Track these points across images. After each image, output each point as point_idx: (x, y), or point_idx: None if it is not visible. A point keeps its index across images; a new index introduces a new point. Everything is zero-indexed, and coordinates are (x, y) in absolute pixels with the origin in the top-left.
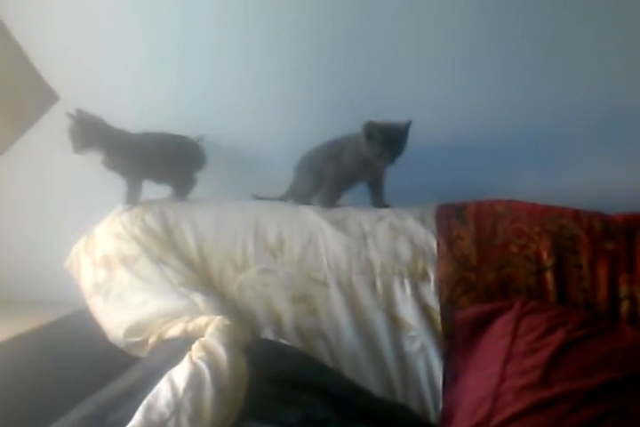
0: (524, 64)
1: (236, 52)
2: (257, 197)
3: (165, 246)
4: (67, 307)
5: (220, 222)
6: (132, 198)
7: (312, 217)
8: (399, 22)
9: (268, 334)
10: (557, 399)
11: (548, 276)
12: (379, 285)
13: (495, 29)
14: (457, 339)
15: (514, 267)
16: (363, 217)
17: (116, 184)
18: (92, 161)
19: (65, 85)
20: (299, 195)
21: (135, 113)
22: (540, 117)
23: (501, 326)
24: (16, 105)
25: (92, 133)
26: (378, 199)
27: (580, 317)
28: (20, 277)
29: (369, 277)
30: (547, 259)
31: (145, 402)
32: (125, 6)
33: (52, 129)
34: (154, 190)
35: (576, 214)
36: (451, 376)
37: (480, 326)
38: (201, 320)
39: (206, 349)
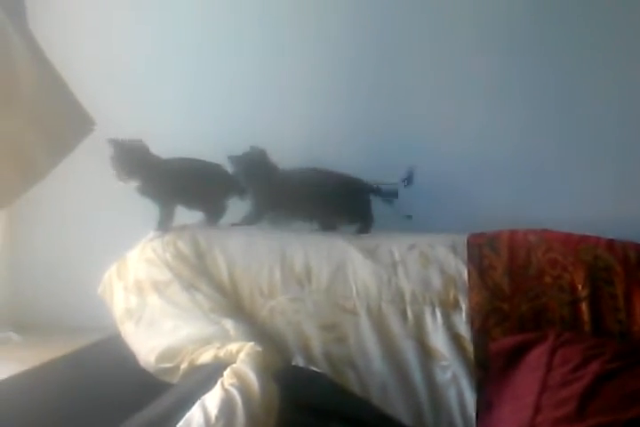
0: (557, 91)
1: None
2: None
3: (197, 272)
4: (99, 332)
5: (249, 249)
6: (165, 224)
7: (341, 244)
8: (435, 51)
9: (299, 360)
10: None
11: (583, 306)
12: (409, 313)
13: (527, 54)
14: (491, 369)
15: (548, 297)
16: (393, 245)
17: (149, 210)
18: (126, 188)
19: (101, 111)
20: None
21: (171, 138)
22: (573, 146)
23: (536, 357)
24: (55, 132)
25: (133, 161)
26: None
27: (616, 348)
28: (55, 302)
29: (399, 305)
30: (581, 289)
31: None
32: (164, 36)
33: (87, 155)
34: (185, 215)
35: (610, 244)
36: (484, 406)
37: (514, 356)
38: (232, 347)
39: (238, 375)
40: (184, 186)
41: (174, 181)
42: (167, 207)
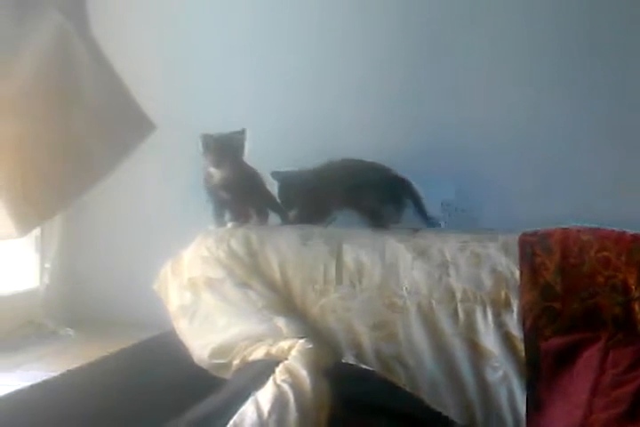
0: (603, 92)
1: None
2: None
3: (249, 270)
4: (154, 329)
5: (303, 247)
6: (221, 220)
7: (393, 244)
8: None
9: (349, 357)
10: None
11: (636, 307)
12: (460, 312)
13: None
14: (542, 369)
15: (600, 297)
16: (444, 245)
17: (201, 209)
18: (181, 187)
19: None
20: None
21: None
22: (625, 144)
23: (588, 357)
24: (115, 134)
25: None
26: None
27: None
28: (111, 298)
29: (450, 304)
30: (635, 289)
31: (231, 423)
32: (223, 36)
33: (145, 156)
34: None
35: None
36: (534, 406)
37: (566, 356)
38: (284, 343)
39: (290, 372)
40: (254, 185)
41: (248, 179)
42: (226, 203)
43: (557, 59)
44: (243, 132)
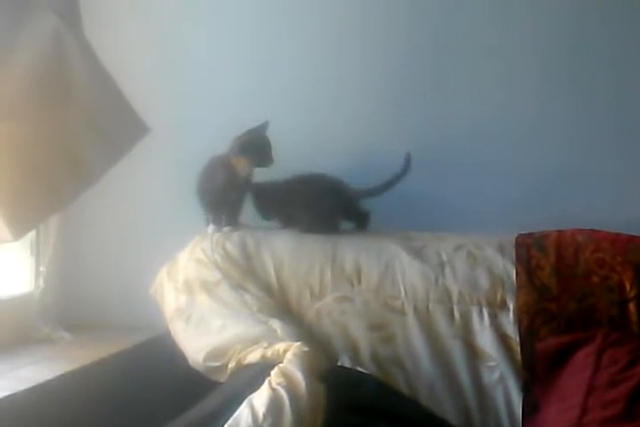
0: (607, 94)
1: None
2: None
3: (245, 273)
4: (149, 332)
5: (299, 250)
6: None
7: (389, 245)
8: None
9: (345, 361)
10: None
11: (631, 307)
12: (456, 313)
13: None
14: (538, 370)
15: (596, 297)
16: (440, 246)
17: (195, 212)
18: (176, 191)
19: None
20: None
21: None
22: (622, 145)
23: (583, 357)
24: (109, 136)
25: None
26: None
27: None
28: (105, 301)
29: (446, 305)
30: (630, 290)
31: (226, 426)
32: (219, 40)
33: (140, 159)
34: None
35: None
36: (531, 407)
37: (561, 357)
38: (280, 346)
39: (285, 375)
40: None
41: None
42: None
43: (560, 59)
44: (266, 124)
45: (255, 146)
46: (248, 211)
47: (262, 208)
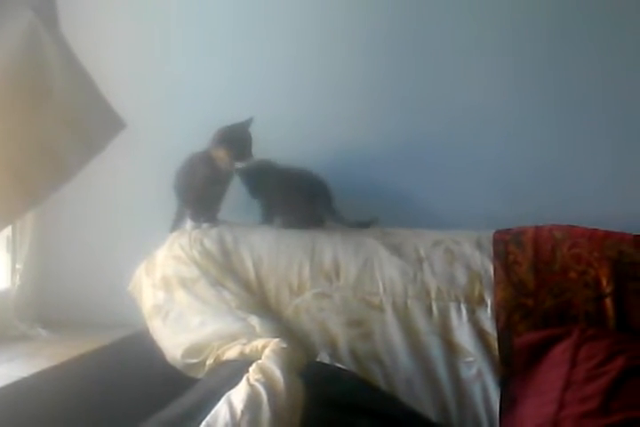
0: (587, 92)
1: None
2: None
3: (223, 269)
4: (126, 329)
5: (277, 246)
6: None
7: (368, 241)
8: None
9: (324, 357)
10: None
11: (608, 302)
12: (434, 309)
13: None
14: (515, 365)
15: (572, 293)
16: (419, 242)
17: (171, 209)
18: (154, 187)
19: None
20: None
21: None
22: (599, 143)
23: (560, 352)
24: (85, 132)
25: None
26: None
27: None
28: (83, 299)
29: (425, 301)
30: (606, 285)
31: (204, 423)
32: (197, 39)
33: (117, 155)
34: None
35: (636, 240)
36: (508, 402)
37: (538, 352)
38: (258, 343)
39: (263, 371)
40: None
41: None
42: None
43: (549, 53)
44: (250, 121)
45: (235, 138)
46: (227, 207)
47: (249, 186)
